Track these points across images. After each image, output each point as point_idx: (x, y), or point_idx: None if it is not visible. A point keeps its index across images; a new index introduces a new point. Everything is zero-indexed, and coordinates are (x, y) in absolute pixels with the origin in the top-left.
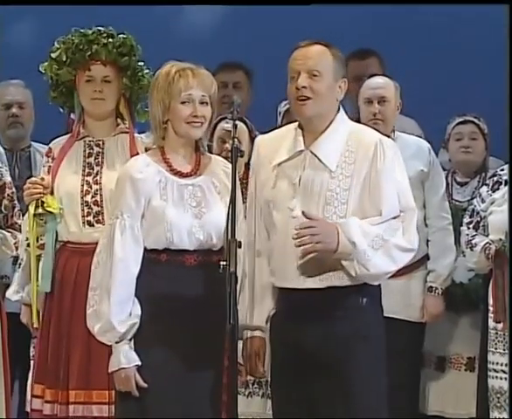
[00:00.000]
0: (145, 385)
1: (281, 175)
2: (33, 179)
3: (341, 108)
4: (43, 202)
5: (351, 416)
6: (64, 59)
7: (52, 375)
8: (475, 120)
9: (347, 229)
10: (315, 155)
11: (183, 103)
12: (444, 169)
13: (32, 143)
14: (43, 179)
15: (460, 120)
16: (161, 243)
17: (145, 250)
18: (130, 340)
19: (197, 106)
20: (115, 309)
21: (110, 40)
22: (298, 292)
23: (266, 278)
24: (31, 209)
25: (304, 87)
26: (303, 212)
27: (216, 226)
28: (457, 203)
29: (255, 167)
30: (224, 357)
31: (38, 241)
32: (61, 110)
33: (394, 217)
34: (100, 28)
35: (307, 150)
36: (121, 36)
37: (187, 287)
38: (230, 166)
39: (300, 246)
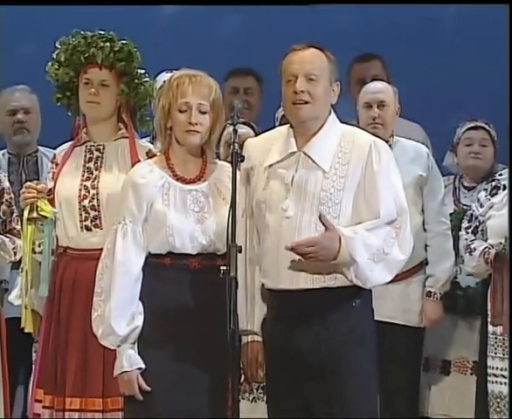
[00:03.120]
0: (148, 388)
1: (273, 176)
2: (28, 183)
3: (331, 110)
4: (37, 207)
5: (346, 417)
6: (62, 60)
7: (51, 381)
8: (486, 127)
9: (351, 245)
10: (309, 156)
11: (180, 111)
12: (450, 173)
13: (39, 148)
14: (37, 183)
15: (471, 125)
16: (164, 247)
17: (149, 254)
18: (134, 343)
19: (193, 114)
20: (115, 313)
21: (108, 44)
22: (290, 293)
23: (258, 282)
24: (25, 213)
25: (302, 91)
26: (320, 217)
27: (219, 230)
28: (465, 208)
29: (246, 170)
30: (228, 361)
31: (39, 246)
32: (69, 113)
33: (392, 221)
34: (100, 31)
35: (299, 152)
36: (120, 41)
37: (191, 290)
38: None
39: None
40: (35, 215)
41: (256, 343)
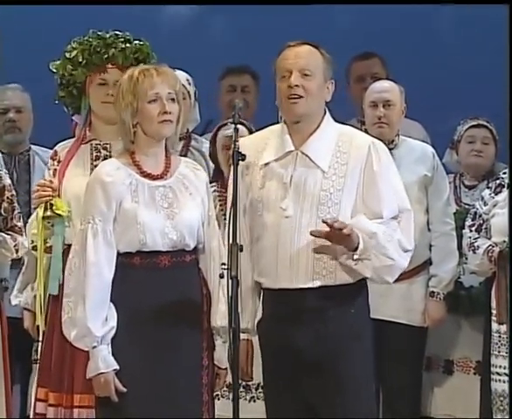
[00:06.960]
0: (124, 389)
1: (270, 175)
2: (42, 181)
3: (326, 110)
4: (52, 205)
5: (345, 415)
6: (80, 60)
7: (56, 379)
8: (488, 125)
9: (361, 224)
10: (306, 155)
11: (150, 102)
12: (450, 172)
13: (32, 146)
14: (51, 181)
15: (473, 123)
16: (134, 245)
17: (118, 254)
18: (108, 344)
19: (165, 103)
20: (91, 314)
21: (128, 45)
22: (289, 292)
23: (250, 280)
24: (40, 211)
25: (297, 86)
26: (322, 221)
27: (188, 226)
28: (467, 208)
29: (240, 168)
30: (203, 357)
31: (44, 244)
32: (65, 109)
33: (393, 217)
34: (117, 32)
35: (296, 150)
36: (137, 42)
37: (162, 289)
38: (199, 167)
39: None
40: (49, 213)
41: (245, 341)
